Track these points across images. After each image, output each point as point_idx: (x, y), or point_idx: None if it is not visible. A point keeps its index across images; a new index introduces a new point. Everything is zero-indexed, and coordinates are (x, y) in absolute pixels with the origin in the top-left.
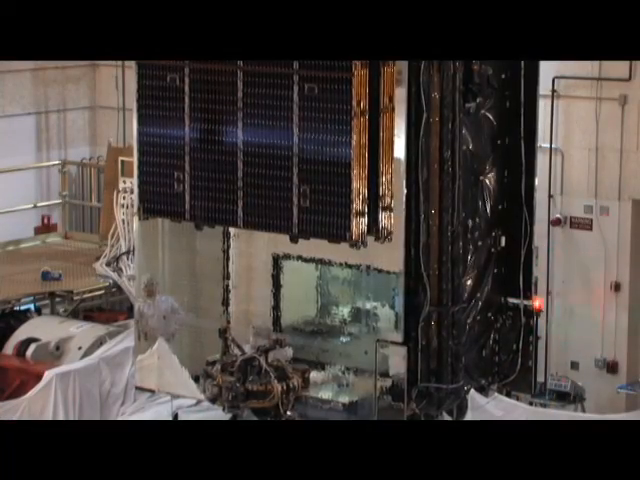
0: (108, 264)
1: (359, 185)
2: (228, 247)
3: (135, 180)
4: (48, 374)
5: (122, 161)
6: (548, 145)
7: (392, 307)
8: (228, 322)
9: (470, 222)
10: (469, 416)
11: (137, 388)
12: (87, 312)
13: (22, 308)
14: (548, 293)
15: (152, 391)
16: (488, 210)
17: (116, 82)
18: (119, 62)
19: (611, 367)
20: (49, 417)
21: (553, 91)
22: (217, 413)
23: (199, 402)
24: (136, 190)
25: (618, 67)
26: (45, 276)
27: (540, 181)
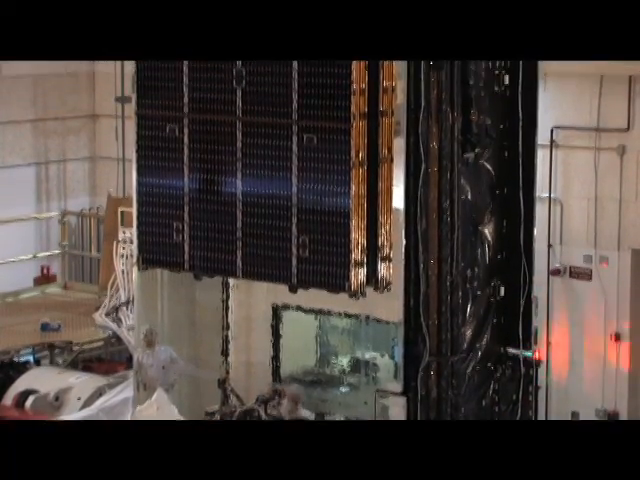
0: (107, 314)
1: (358, 235)
2: (227, 297)
3: (134, 230)
4: None
5: (122, 211)
6: (547, 195)
7: (391, 357)
8: (227, 372)
9: (469, 272)
10: None
11: None
12: (86, 363)
13: (21, 359)
14: (548, 343)
15: None
16: (487, 260)
17: (116, 133)
18: (119, 113)
19: (612, 417)
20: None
21: (552, 141)
22: None
23: None
24: (135, 240)
25: (616, 117)
26: (44, 327)
27: (539, 231)
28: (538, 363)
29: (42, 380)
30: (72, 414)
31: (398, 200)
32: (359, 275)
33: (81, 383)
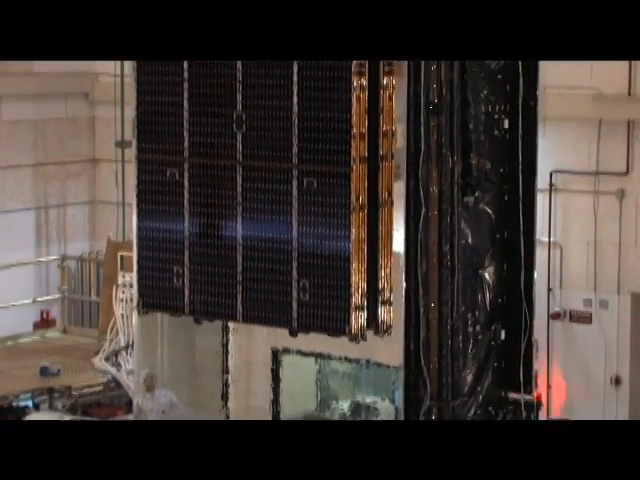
0: (107, 359)
1: (358, 279)
2: (227, 341)
3: (134, 274)
4: None
5: (121, 256)
6: (547, 239)
7: (392, 401)
8: (227, 417)
9: (470, 315)
10: None
11: None
12: (85, 407)
13: (20, 404)
14: (548, 386)
15: None
16: (487, 303)
17: (116, 177)
18: (119, 157)
19: None
20: None
21: (551, 185)
22: None
23: None
24: (135, 284)
25: (615, 161)
26: (44, 371)
27: (539, 275)
28: (538, 406)
29: None
30: None
31: (398, 244)
32: (359, 319)
33: None
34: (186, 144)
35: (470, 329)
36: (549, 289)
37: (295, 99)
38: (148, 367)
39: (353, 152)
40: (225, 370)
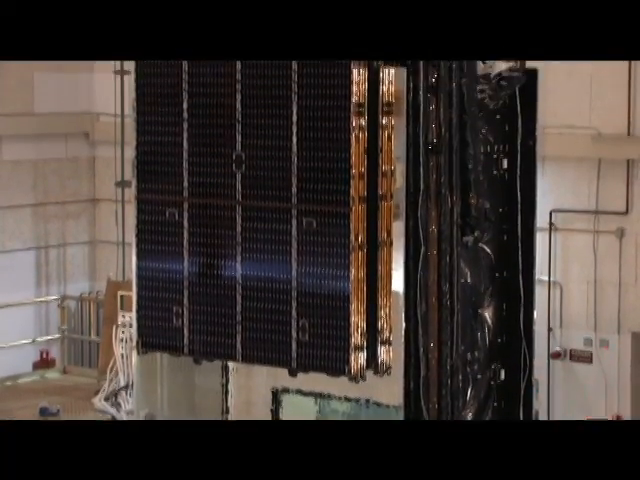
0: (107, 399)
1: (358, 319)
2: (227, 381)
3: (134, 314)
4: None
5: (121, 295)
6: (547, 278)
7: None
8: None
9: (469, 355)
10: None
11: None
12: None
13: None
14: None
15: None
16: (487, 343)
17: (116, 217)
18: (119, 197)
19: None
20: None
21: (551, 224)
22: None
23: None
24: (135, 324)
25: (615, 200)
26: (43, 411)
27: (539, 314)
28: None
29: None
30: None
31: (398, 283)
32: (359, 359)
33: None
34: (185, 184)
35: (470, 369)
36: (549, 328)
37: (294, 139)
38: (148, 407)
39: (352, 192)
40: (225, 410)
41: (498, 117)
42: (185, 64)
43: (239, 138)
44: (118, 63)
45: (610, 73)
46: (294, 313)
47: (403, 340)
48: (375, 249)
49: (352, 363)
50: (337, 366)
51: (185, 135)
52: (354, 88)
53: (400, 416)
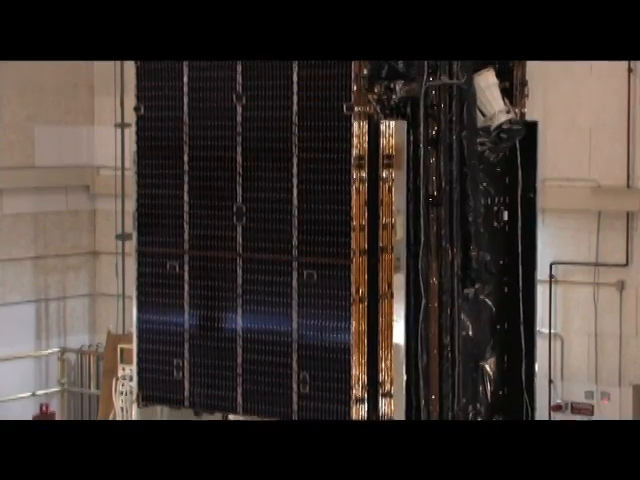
0: None
1: (359, 371)
2: None
3: (134, 367)
4: None
5: (121, 348)
6: (547, 330)
7: None
8: None
9: (471, 408)
10: None
11: None
12: None
13: None
14: None
15: None
16: (489, 396)
17: (116, 270)
18: (119, 250)
19: None
20: None
21: (551, 277)
22: None
23: None
24: (135, 377)
25: (615, 253)
26: None
27: (540, 366)
28: None
29: None
30: None
31: (398, 336)
32: (360, 411)
33: None
34: (186, 236)
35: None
36: (550, 381)
37: (295, 191)
38: None
39: (353, 244)
40: None
41: (498, 170)
42: (186, 117)
43: (240, 190)
44: (119, 116)
45: (609, 126)
46: (295, 365)
47: (404, 392)
48: (376, 301)
49: (353, 416)
50: (338, 419)
51: (186, 188)
52: (355, 141)
53: None
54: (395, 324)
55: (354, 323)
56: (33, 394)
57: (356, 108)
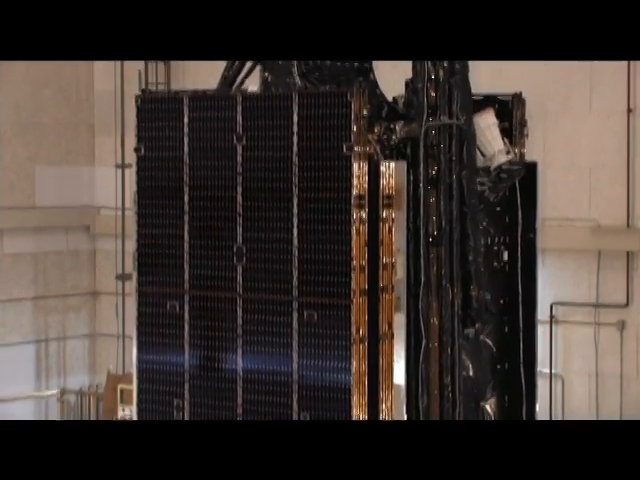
0: None
1: (359, 412)
2: None
3: (134, 408)
4: None
5: (121, 389)
6: (548, 370)
7: None
8: None
9: None
10: None
11: None
12: None
13: None
14: None
15: None
16: None
17: (116, 310)
18: (119, 290)
19: None
20: None
21: (551, 317)
22: None
23: None
24: (135, 418)
25: (615, 293)
26: None
27: (541, 406)
28: None
29: None
30: None
31: (399, 376)
32: None
33: None
34: (186, 276)
35: None
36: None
37: (295, 231)
38: None
39: (353, 284)
40: None
41: (498, 209)
42: (186, 157)
43: (240, 230)
44: (119, 157)
45: (609, 166)
46: (295, 406)
47: None
48: (376, 341)
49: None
50: None
51: (186, 228)
52: (355, 181)
53: None
54: (395, 364)
55: (354, 363)
56: None
57: (356, 148)
